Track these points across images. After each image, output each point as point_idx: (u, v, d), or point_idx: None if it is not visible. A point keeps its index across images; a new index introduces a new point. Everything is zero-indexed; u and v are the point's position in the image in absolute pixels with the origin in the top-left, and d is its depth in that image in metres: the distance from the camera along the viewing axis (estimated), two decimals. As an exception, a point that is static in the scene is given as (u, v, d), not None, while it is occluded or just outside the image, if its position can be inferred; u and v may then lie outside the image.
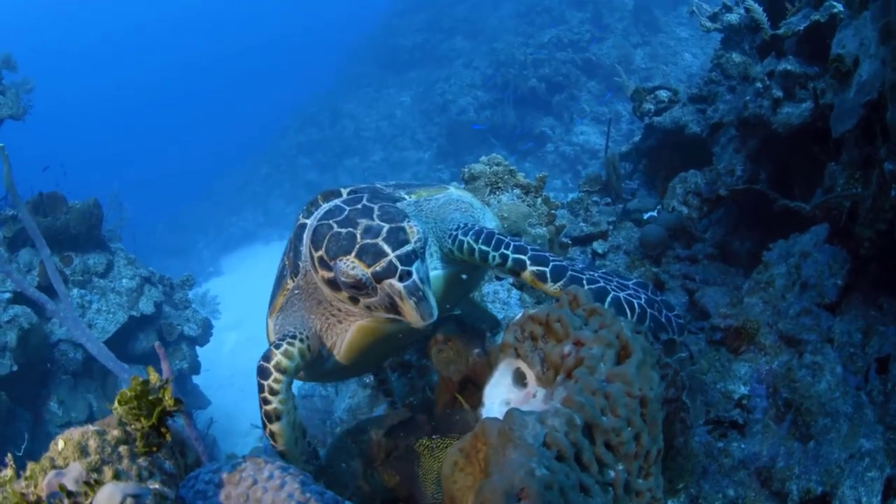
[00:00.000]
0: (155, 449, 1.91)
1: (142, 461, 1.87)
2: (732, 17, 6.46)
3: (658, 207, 7.12)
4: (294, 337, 2.98)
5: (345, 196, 3.18)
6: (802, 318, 3.46)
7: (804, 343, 3.32)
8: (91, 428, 1.86)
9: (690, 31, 20.45)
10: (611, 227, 7.06)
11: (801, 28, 4.74)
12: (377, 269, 2.46)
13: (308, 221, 3.13)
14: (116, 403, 1.88)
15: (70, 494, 1.58)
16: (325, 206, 2.89)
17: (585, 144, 18.90)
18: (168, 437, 1.92)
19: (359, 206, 2.71)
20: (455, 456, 1.81)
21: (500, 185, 6.79)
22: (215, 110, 46.35)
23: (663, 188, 6.98)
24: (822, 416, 2.99)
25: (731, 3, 6.51)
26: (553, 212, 6.32)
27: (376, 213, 2.64)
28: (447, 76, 24.47)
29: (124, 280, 9.95)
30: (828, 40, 3.92)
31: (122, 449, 1.85)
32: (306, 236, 2.81)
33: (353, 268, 2.48)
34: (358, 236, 2.53)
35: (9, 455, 1.88)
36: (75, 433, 1.83)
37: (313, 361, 3.14)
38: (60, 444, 1.82)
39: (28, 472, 1.72)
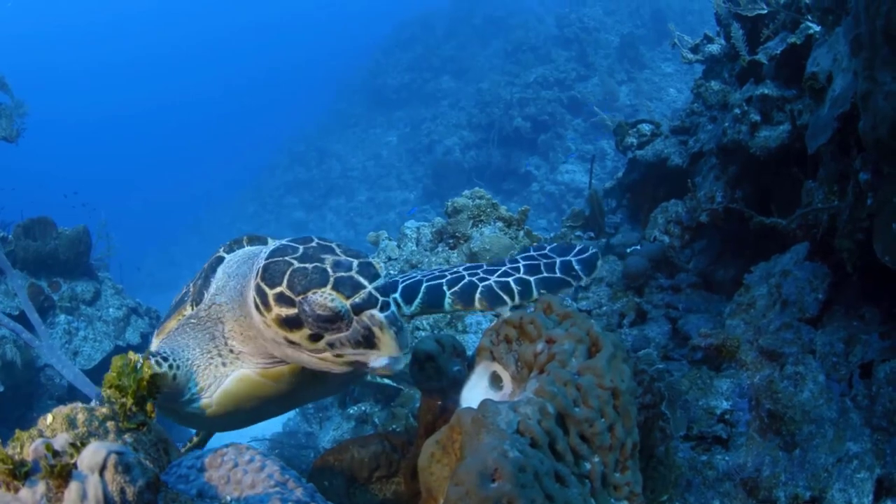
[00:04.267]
0: (141, 427, 1.97)
1: (127, 437, 1.95)
2: (713, 48, 6.56)
3: (641, 241, 7.11)
4: (165, 360, 2.85)
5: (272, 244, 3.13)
6: (783, 332, 3.46)
7: (785, 356, 3.31)
8: (80, 404, 1.93)
9: (675, 67, 20.69)
10: (593, 261, 7.04)
11: (779, 52, 4.80)
12: (357, 300, 2.40)
13: (228, 256, 3.12)
14: (105, 387, 1.96)
15: (56, 454, 1.63)
16: (269, 247, 2.73)
17: (571, 183, 18.88)
18: (153, 416, 2.00)
19: (313, 244, 2.62)
20: (432, 448, 1.81)
21: (482, 217, 6.84)
22: (205, 146, 46.85)
23: (646, 221, 6.99)
24: (807, 424, 2.98)
25: (712, 33, 6.63)
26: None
27: (338, 249, 2.59)
28: (434, 116, 24.73)
29: (111, 309, 9.87)
30: (804, 62, 3.98)
31: (110, 424, 1.93)
32: (255, 276, 2.60)
33: (333, 300, 2.38)
34: (329, 270, 2.46)
35: None
36: (64, 408, 1.91)
37: (172, 396, 3.00)
38: (49, 418, 1.89)
39: (15, 436, 1.78)
